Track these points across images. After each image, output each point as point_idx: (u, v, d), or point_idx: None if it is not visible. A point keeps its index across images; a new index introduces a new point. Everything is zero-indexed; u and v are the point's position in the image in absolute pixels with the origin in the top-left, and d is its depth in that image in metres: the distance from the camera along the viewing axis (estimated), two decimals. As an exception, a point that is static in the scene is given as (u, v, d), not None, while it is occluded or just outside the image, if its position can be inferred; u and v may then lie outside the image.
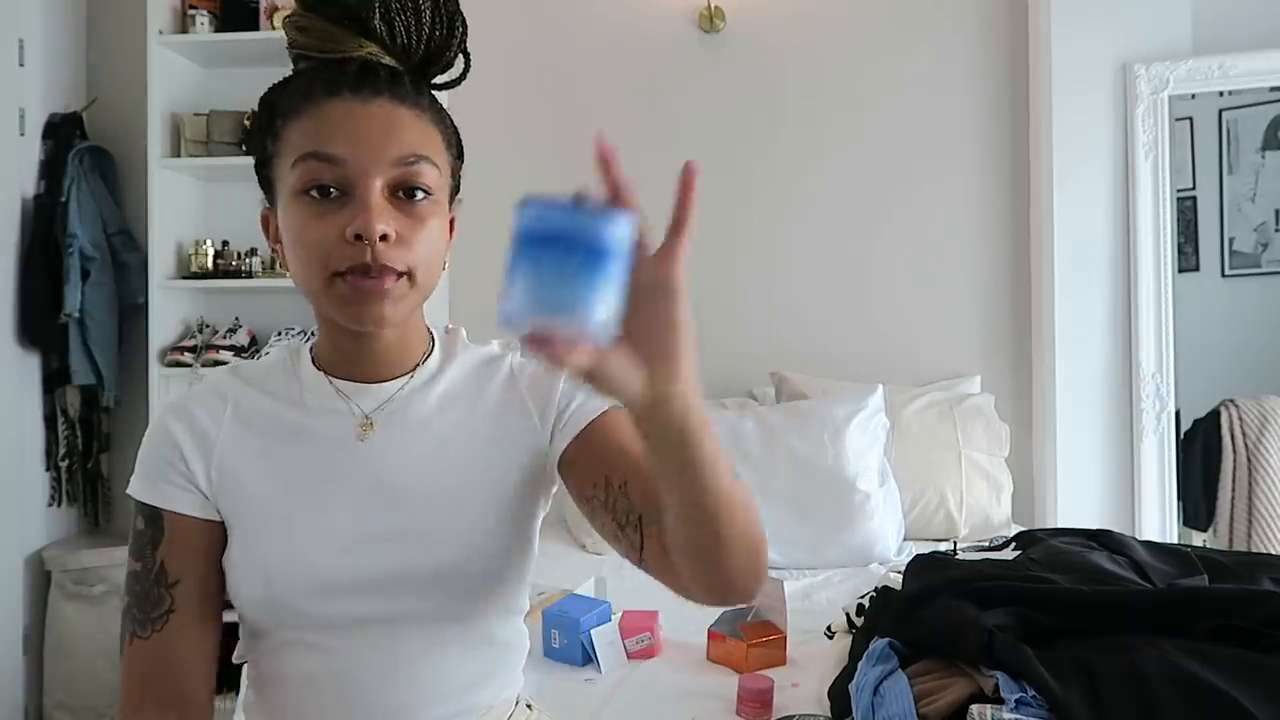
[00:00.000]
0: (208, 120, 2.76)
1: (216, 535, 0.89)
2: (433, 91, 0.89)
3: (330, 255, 0.80)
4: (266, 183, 0.88)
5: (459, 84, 0.90)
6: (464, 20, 0.87)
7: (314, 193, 0.81)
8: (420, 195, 0.83)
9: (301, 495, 0.88)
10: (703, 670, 1.63)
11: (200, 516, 0.88)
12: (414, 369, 0.93)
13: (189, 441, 0.89)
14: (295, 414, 0.91)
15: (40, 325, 2.70)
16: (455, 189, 0.91)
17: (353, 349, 0.90)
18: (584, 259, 0.52)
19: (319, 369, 0.93)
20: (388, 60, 0.85)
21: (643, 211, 0.57)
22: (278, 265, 2.80)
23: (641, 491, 0.80)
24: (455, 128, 0.90)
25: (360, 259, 0.80)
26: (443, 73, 0.90)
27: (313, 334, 2.93)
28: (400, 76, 0.84)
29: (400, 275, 0.82)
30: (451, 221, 0.91)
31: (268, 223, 0.90)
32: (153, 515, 0.88)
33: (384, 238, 0.80)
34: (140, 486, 0.89)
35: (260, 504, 0.88)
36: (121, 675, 0.88)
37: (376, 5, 0.82)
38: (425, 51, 0.86)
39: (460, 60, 0.91)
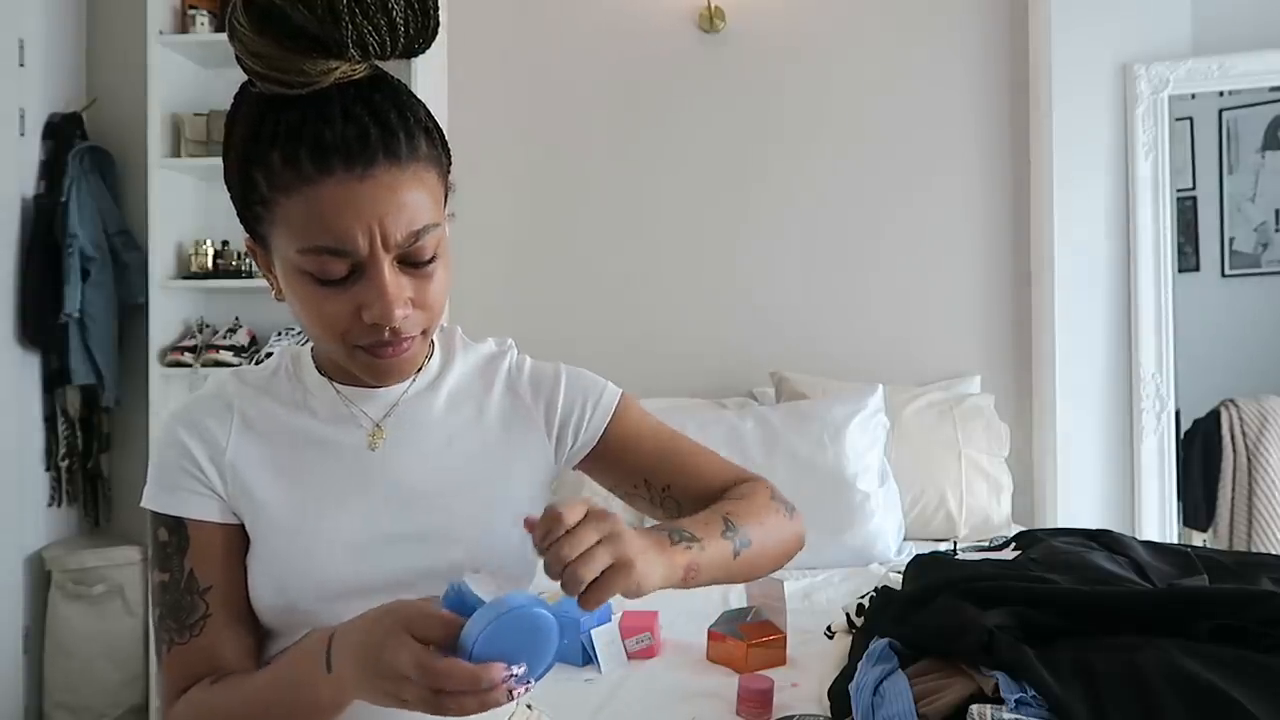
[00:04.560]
0: (208, 120, 2.76)
1: (239, 538, 0.89)
2: (417, 99, 0.83)
3: (348, 331, 0.81)
4: (254, 232, 0.84)
5: (425, 51, 0.80)
6: (436, 2, 0.78)
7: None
8: (427, 262, 0.82)
9: (314, 502, 0.88)
10: (703, 670, 1.63)
11: (222, 521, 0.88)
12: (416, 371, 0.94)
13: (200, 448, 0.88)
14: (303, 420, 0.91)
15: (40, 325, 2.70)
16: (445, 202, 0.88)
17: None
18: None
19: (322, 374, 0.93)
20: (361, 71, 0.78)
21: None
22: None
23: (684, 489, 0.91)
24: (443, 136, 0.85)
25: (378, 336, 0.81)
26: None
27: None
28: (392, 125, 0.78)
29: (417, 335, 0.84)
30: None
31: (255, 253, 0.87)
32: (175, 525, 0.87)
33: (403, 318, 0.80)
34: (158, 498, 0.88)
35: (272, 511, 0.87)
36: (163, 681, 0.87)
37: (348, 34, 0.72)
38: (401, 50, 0.78)
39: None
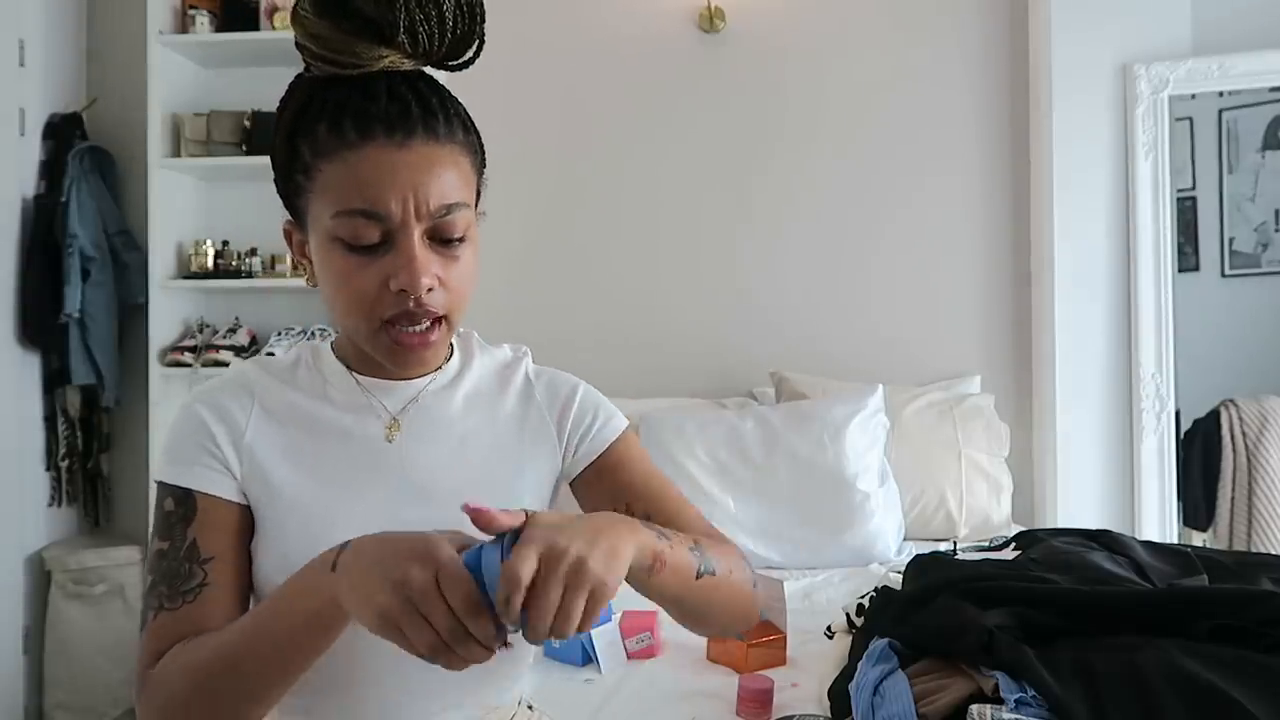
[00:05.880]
0: (208, 120, 2.76)
1: (247, 520, 0.89)
2: (455, 97, 0.87)
3: (375, 305, 0.83)
4: (293, 207, 0.88)
5: (469, 66, 0.87)
6: (483, 8, 0.85)
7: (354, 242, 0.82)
8: (457, 241, 0.85)
9: (327, 491, 0.89)
10: (703, 670, 1.63)
11: (233, 499, 0.88)
12: (435, 369, 0.96)
13: (220, 428, 0.89)
14: (322, 409, 0.92)
15: (40, 325, 2.70)
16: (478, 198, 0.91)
17: None
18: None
19: (344, 365, 0.94)
20: (408, 65, 0.83)
21: None
22: (278, 267, 2.80)
23: (663, 522, 0.88)
24: (478, 133, 0.89)
25: (404, 307, 0.83)
26: (459, 61, 0.88)
27: (315, 333, 2.92)
28: (433, 107, 0.83)
29: (440, 319, 0.86)
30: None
31: (291, 236, 0.91)
32: (183, 496, 0.87)
33: (428, 290, 0.82)
34: (171, 470, 0.88)
35: (284, 497, 0.88)
36: (142, 646, 0.85)
37: (401, 18, 0.79)
38: (446, 50, 0.84)
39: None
